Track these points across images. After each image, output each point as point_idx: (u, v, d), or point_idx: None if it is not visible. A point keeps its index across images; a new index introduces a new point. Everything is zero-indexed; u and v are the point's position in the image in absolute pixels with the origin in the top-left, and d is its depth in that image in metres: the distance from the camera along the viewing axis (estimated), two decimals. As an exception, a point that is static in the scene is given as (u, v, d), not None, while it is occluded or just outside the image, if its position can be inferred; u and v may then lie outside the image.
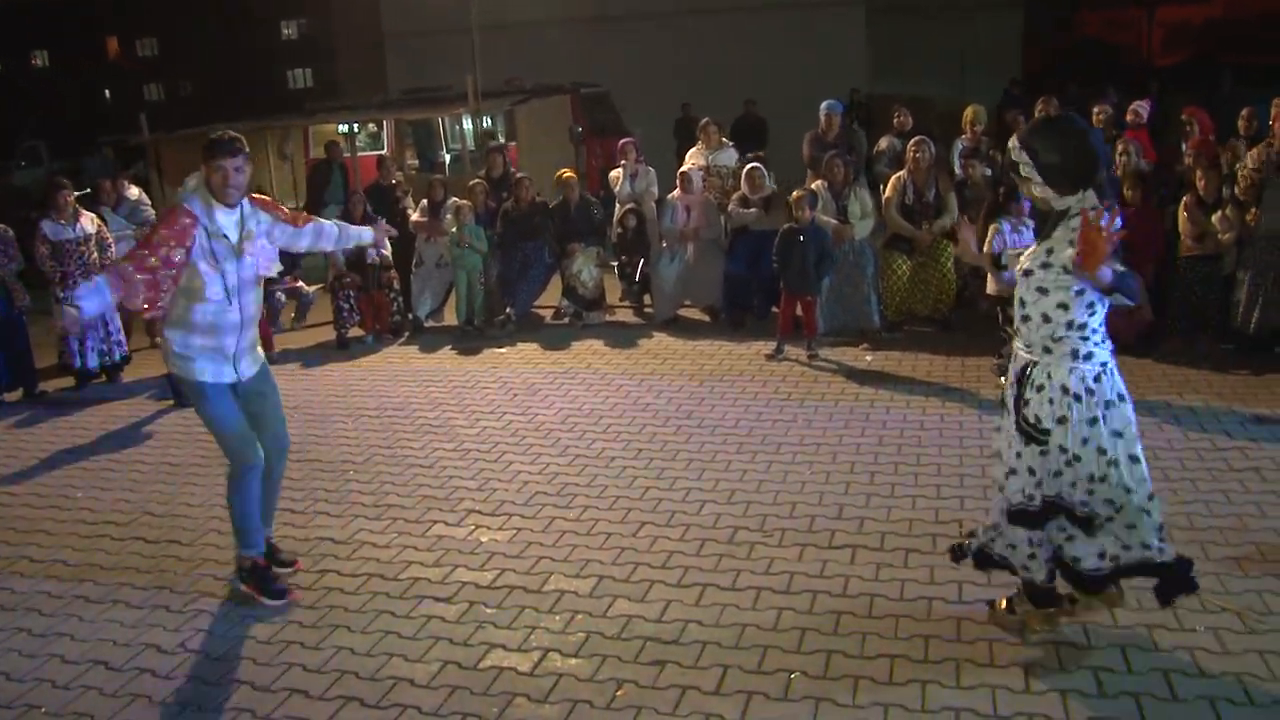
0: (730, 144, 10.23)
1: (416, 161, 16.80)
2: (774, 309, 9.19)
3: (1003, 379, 4.03)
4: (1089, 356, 3.62)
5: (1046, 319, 3.62)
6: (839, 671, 3.85)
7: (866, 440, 6.28)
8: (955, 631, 4.08)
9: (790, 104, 17.98)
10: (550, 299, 10.28)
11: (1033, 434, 3.69)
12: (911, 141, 8.62)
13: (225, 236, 4.45)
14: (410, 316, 9.98)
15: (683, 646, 4.06)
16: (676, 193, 9.58)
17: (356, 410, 7.53)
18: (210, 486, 6.16)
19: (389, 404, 7.64)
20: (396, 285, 9.88)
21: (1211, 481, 5.42)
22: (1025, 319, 3.70)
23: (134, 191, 10.64)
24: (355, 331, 9.64)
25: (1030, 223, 7.40)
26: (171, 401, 7.97)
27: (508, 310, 9.71)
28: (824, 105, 9.62)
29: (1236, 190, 7.48)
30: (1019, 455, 3.76)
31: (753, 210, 9.09)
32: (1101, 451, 3.66)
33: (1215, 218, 7.54)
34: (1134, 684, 3.68)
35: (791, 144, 10.34)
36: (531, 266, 9.83)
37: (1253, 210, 7.41)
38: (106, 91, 46.44)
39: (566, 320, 9.83)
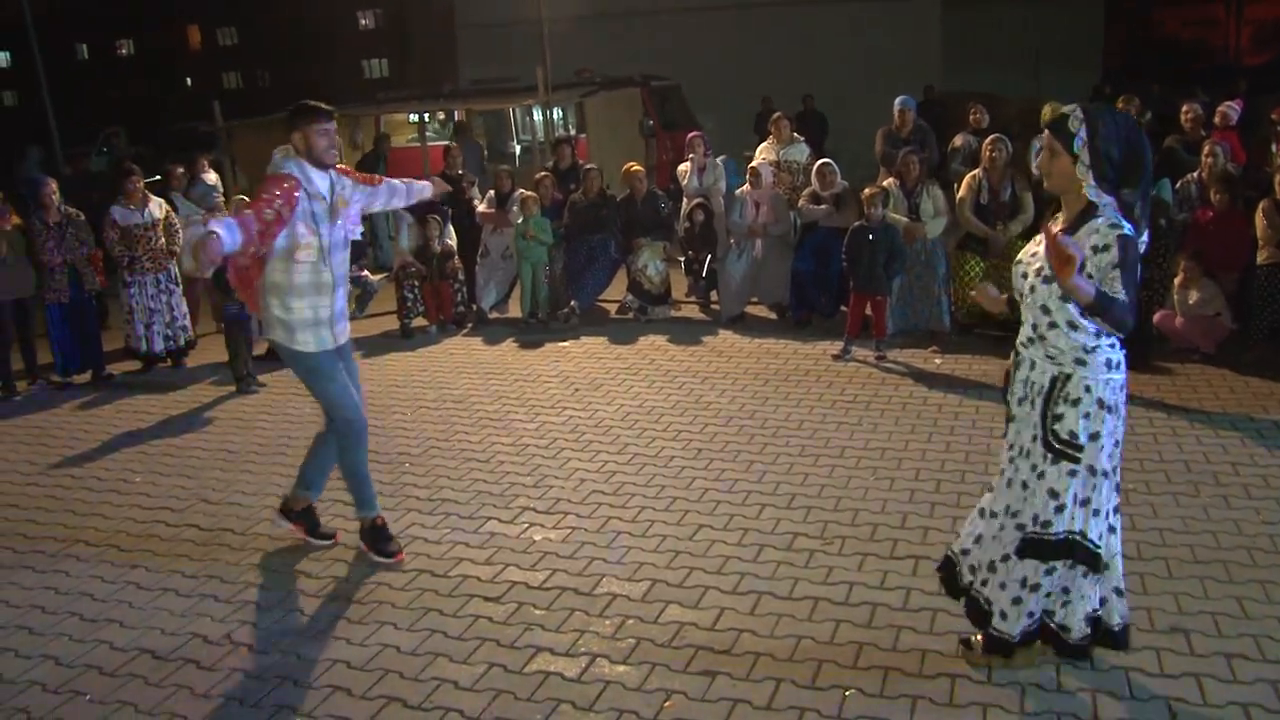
0: (801, 139, 10.02)
1: (486, 152, 16.81)
2: (842, 308, 8.99)
3: (1008, 398, 3.70)
4: (1118, 366, 3.38)
5: (1073, 326, 3.34)
6: (896, 691, 3.67)
7: (933, 447, 6.07)
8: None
9: (860, 99, 17.73)
10: (615, 293, 10.18)
11: (1065, 452, 3.39)
12: (987, 140, 8.35)
13: (323, 198, 4.64)
14: (474, 308, 9.95)
15: (735, 657, 3.92)
16: (745, 188, 9.40)
17: (416, 401, 7.49)
18: (266, 475, 6.16)
19: (449, 396, 7.59)
20: (461, 276, 9.85)
21: (1300, 501, 5.14)
22: (1052, 326, 3.39)
23: (212, 176, 10.75)
24: (419, 321, 9.63)
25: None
26: (234, 388, 8.01)
27: (572, 304, 9.62)
28: (898, 101, 9.38)
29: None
30: (1040, 475, 3.46)
31: (823, 206, 8.89)
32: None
33: None
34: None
35: (861, 139, 10.12)
36: (597, 260, 9.73)
37: None
38: (188, 80, 47.37)
39: (631, 315, 9.71)
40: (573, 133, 15.38)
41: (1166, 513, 5.03)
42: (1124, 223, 3.26)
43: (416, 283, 9.52)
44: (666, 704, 3.65)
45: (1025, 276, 3.48)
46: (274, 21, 42.01)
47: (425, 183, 5.70)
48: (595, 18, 20.60)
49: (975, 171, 8.39)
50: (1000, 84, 18.01)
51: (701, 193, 9.96)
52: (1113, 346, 3.39)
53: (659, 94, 16.67)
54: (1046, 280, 3.36)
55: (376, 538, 4.93)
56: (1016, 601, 3.59)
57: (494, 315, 10.05)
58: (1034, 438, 3.48)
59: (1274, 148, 8.37)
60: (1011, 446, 3.62)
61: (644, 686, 3.76)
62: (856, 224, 8.02)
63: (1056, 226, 3.39)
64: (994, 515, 3.68)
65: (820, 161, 9.04)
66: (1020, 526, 3.55)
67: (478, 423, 6.94)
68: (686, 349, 8.58)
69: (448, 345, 9.14)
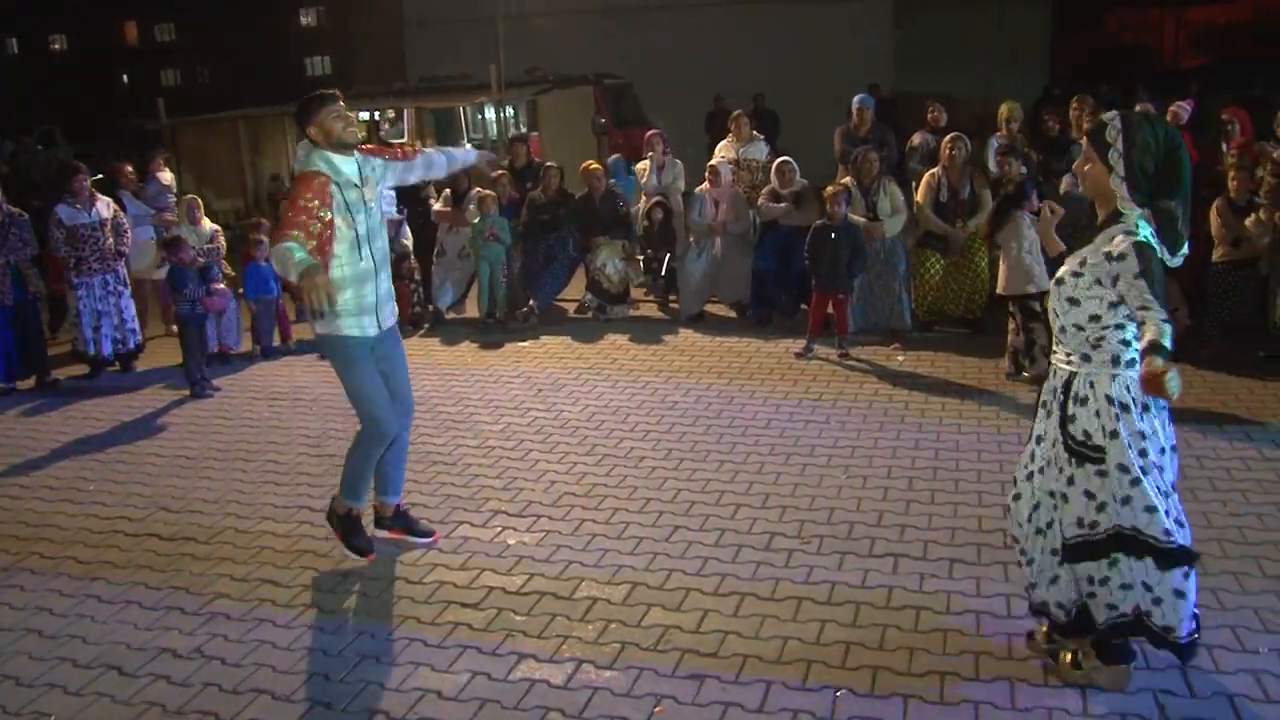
0: (761, 137, 10.01)
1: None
2: (803, 306, 8.99)
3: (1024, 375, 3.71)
4: (1131, 363, 3.34)
5: (1079, 328, 3.36)
6: (887, 689, 3.65)
7: (903, 444, 6.08)
8: (1006, 649, 3.88)
9: (812, 98, 17.80)
10: (573, 292, 10.10)
11: (1085, 453, 3.37)
12: (946, 138, 8.40)
13: (355, 185, 4.55)
14: (431, 308, 9.81)
15: (723, 660, 3.87)
16: (705, 186, 9.37)
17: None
18: (226, 482, 6.00)
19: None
20: (418, 276, 9.71)
21: (1262, 494, 5.21)
22: (1062, 329, 3.42)
23: (167, 175, 10.48)
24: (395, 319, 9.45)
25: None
26: (188, 392, 7.82)
27: (530, 303, 9.53)
28: (856, 99, 9.41)
29: (1262, 192, 7.26)
30: (1070, 481, 3.44)
31: (782, 204, 8.89)
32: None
33: (1249, 221, 7.30)
34: (1196, 709, 3.47)
35: (814, 138, 10.14)
36: (555, 259, 9.65)
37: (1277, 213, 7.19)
38: (124, 77, 46.39)
39: (590, 314, 9.64)
40: (525, 130, 15.28)
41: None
42: (1141, 229, 3.25)
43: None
44: (657, 709, 3.60)
45: (1060, 283, 3.46)
46: (213, 18, 41.30)
47: (469, 150, 5.54)
48: (546, 16, 20.47)
49: (934, 170, 8.43)
50: (952, 84, 18.20)
51: (660, 191, 9.92)
52: (1124, 344, 3.34)
53: (611, 92, 16.62)
54: (1058, 283, 3.41)
55: (349, 528, 4.85)
56: (1091, 596, 3.51)
57: (451, 315, 9.92)
58: (1053, 441, 3.48)
59: (1224, 147, 8.51)
60: (1037, 459, 3.60)
61: (633, 691, 3.70)
62: (819, 222, 8.02)
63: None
64: (1039, 533, 3.62)
65: (779, 159, 9.04)
66: (1065, 538, 3.50)
67: (442, 425, 6.83)
68: (648, 348, 8.52)
69: (405, 346, 8.93)
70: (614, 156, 10.49)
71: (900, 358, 7.89)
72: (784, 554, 4.73)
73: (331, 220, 4.42)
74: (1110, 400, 3.33)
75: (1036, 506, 3.60)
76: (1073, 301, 3.35)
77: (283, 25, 40.09)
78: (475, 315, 9.70)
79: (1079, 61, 29.79)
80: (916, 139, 9.42)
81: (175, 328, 8.89)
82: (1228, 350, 7.40)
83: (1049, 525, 3.57)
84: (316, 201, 4.39)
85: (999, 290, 7.19)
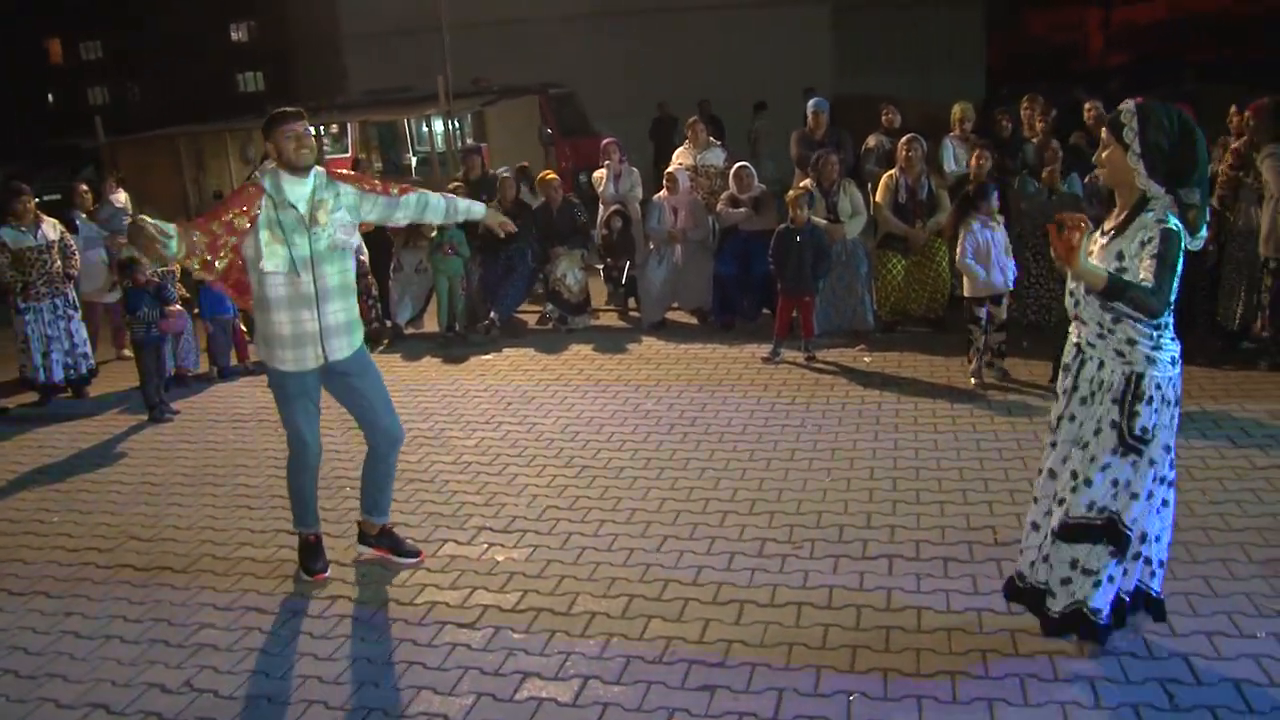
0: (718, 143, 10.02)
1: (380, 165, 16.45)
2: (764, 310, 9.02)
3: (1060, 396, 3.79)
4: (1176, 361, 3.50)
5: (1134, 319, 3.43)
6: (900, 692, 3.64)
7: (882, 445, 6.10)
8: (1011, 645, 3.89)
9: (754, 103, 17.88)
10: (533, 303, 10.02)
11: (1137, 446, 3.49)
12: (903, 139, 8.47)
13: (294, 207, 4.41)
14: (389, 324, 9.67)
15: (730, 670, 3.83)
16: (663, 193, 9.36)
17: (343, 422, 7.17)
18: (198, 508, 5.84)
19: (377, 415, 7.32)
20: (375, 292, 9.56)
21: (1237, 480, 5.31)
22: (1117, 320, 3.47)
23: (121, 197, 10.21)
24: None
25: (1001, 219, 7.28)
26: (146, 416, 7.61)
27: (491, 316, 9.43)
28: (810, 102, 9.44)
29: (1217, 184, 7.42)
30: (1105, 467, 3.53)
31: (742, 210, 8.90)
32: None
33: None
34: (1205, 696, 3.51)
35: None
36: (514, 270, 9.56)
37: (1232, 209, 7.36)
38: (49, 96, 45.31)
39: (550, 325, 9.56)
40: (471, 142, 15.16)
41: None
42: (1171, 219, 3.34)
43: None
44: (671, 722, 3.55)
45: None
46: (140, 35, 40.45)
47: (474, 203, 5.23)
48: (487, 25, 20.35)
49: (891, 171, 8.50)
50: (890, 87, 18.35)
51: (618, 199, 9.88)
52: (1174, 341, 3.49)
53: (556, 101, 16.56)
54: None
55: (306, 552, 4.85)
56: (1065, 582, 3.65)
57: (410, 331, 9.79)
58: (1096, 431, 3.55)
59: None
60: (1064, 443, 3.69)
61: (643, 706, 3.64)
62: (782, 226, 8.03)
63: (1111, 223, 3.52)
64: (1041, 520, 3.78)
65: (737, 165, 9.05)
66: (1066, 513, 3.61)
67: (413, 441, 6.70)
68: (613, 357, 8.47)
69: (366, 363, 8.82)
70: (504, 169, 10.36)
71: (867, 359, 7.93)
72: (777, 559, 4.71)
73: (247, 232, 4.33)
74: (1165, 400, 3.47)
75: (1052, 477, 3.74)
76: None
77: (213, 41, 39.39)
78: (435, 330, 9.58)
79: (1005, 61, 30.33)
80: (872, 141, 9.49)
81: (128, 351, 8.68)
82: (1199, 342, 7.53)
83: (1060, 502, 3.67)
84: (238, 208, 4.34)
85: (966, 293, 7.24)
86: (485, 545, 5.07)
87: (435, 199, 4.97)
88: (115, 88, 43.61)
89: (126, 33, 41.45)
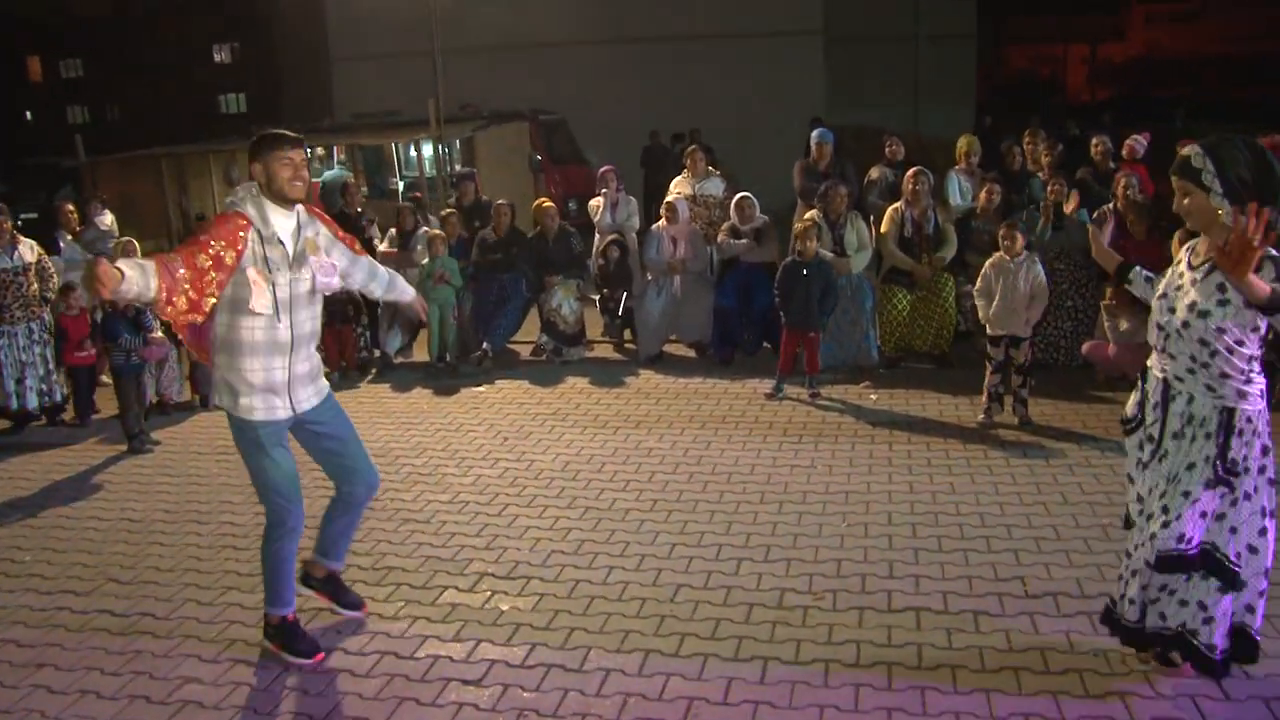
0: (716, 173, 9.83)
1: (366, 189, 16.20)
2: (765, 345, 8.81)
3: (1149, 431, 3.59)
4: (1264, 394, 3.46)
5: (1230, 353, 3.38)
6: (944, 765, 3.39)
7: (896, 487, 5.87)
8: (1056, 710, 3.65)
9: (746, 133, 17.79)
10: (525, 334, 9.77)
11: (1229, 480, 3.45)
12: (910, 172, 8.30)
13: (281, 243, 4.03)
14: (378, 353, 9.40)
15: (759, 737, 3.57)
16: (661, 223, 9.15)
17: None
18: (181, 547, 5.53)
19: (369, 449, 7.02)
20: (364, 320, 9.29)
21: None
22: (1213, 354, 3.40)
23: (108, 219, 9.92)
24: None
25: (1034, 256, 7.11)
26: (125, 447, 7.30)
27: (484, 346, 9.17)
28: (814, 133, 9.27)
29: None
30: (1194, 500, 3.48)
31: (744, 241, 8.70)
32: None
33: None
34: (1235, 712, 3.30)
35: (751, 171, 10.02)
36: (508, 300, 9.31)
37: None
38: (28, 114, 44.84)
39: (545, 356, 9.31)
40: (460, 168, 14.94)
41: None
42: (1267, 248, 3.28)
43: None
44: (701, 798, 3.28)
45: (1174, 311, 3.49)
46: (121, 54, 40.08)
47: (409, 288, 4.96)
48: (477, 50, 20.19)
49: (897, 204, 8.33)
50: (883, 118, 18.33)
51: (615, 228, 9.66)
52: (1260, 375, 3.46)
53: (546, 128, 16.39)
54: (1203, 315, 3.39)
55: (288, 636, 4.30)
56: (1153, 602, 3.65)
57: (399, 360, 9.52)
58: (1189, 466, 3.49)
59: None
60: (1152, 477, 3.64)
61: (669, 777, 3.38)
62: (789, 259, 7.83)
63: (1201, 257, 3.46)
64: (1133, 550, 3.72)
65: (740, 195, 8.86)
66: (1160, 549, 3.55)
67: (407, 478, 6.43)
68: (611, 391, 8.23)
69: (355, 394, 8.55)
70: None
71: (873, 396, 7.72)
72: (798, 611, 4.46)
73: (233, 268, 3.89)
74: (1255, 433, 3.44)
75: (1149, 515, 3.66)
76: (1221, 331, 3.37)
77: (196, 62, 39.08)
78: (425, 359, 9.32)
79: (988, 94, 30.51)
80: (875, 173, 9.33)
81: (106, 378, 8.38)
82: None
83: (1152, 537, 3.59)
84: (222, 243, 3.87)
85: (990, 331, 7.02)
86: (488, 593, 4.79)
87: (382, 271, 4.71)
88: (95, 107, 43.18)
89: (107, 52, 41.09)
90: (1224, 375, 3.41)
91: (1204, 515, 3.50)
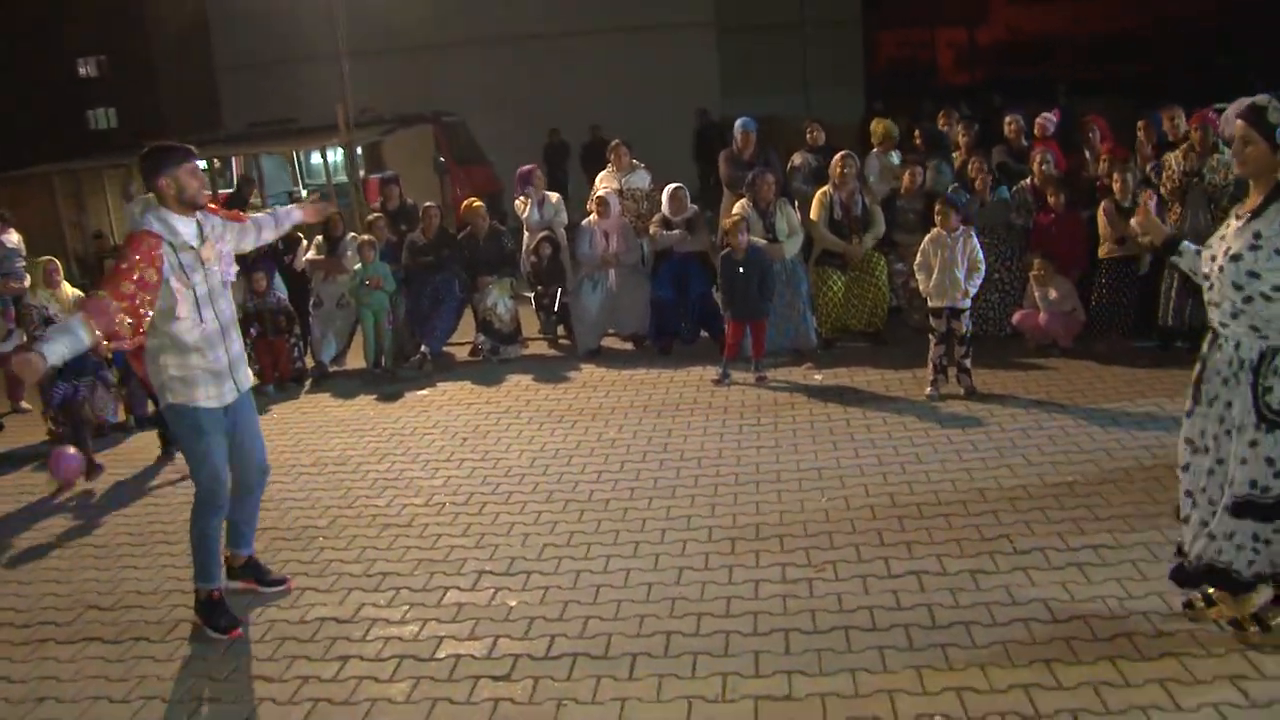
0: (642, 165, 9.90)
1: (260, 200, 15.80)
2: (703, 333, 8.92)
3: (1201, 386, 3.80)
4: None
5: (1268, 299, 3.48)
6: (979, 710, 3.53)
7: (865, 461, 6.04)
8: (1071, 653, 3.84)
9: (645, 125, 17.92)
10: (460, 335, 9.70)
11: (1276, 420, 3.54)
12: (837, 156, 8.51)
13: (191, 247, 4.37)
14: (312, 363, 9.22)
15: (798, 703, 3.66)
16: (592, 218, 9.19)
17: (291, 466, 6.79)
18: (156, 568, 5.38)
19: (326, 458, 6.94)
20: (296, 330, 9.09)
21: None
22: (1248, 299, 3.52)
23: (14, 237, 9.48)
24: (253, 381, 8.79)
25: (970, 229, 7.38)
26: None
27: (422, 349, 9.08)
28: (739, 123, 9.39)
29: (1162, 192, 7.67)
30: (1253, 444, 3.58)
31: (677, 232, 8.80)
32: None
33: (1133, 220, 7.68)
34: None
35: (653, 163, 10.13)
36: (443, 302, 9.23)
37: (1175, 211, 7.61)
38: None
39: (481, 356, 9.26)
40: (363, 173, 14.72)
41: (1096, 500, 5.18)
42: None
43: (249, 340, 8.70)
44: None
45: (1214, 259, 3.63)
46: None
47: (292, 207, 5.40)
48: (366, 54, 19.85)
49: (825, 188, 8.53)
50: (774, 105, 18.65)
51: (544, 225, 9.66)
52: None
53: (449, 130, 16.23)
54: (1234, 259, 3.52)
55: (212, 610, 4.59)
56: (1240, 548, 3.69)
57: (334, 369, 9.35)
58: (1246, 410, 3.59)
59: (1086, 154, 8.94)
60: (1213, 429, 3.73)
61: (724, 750, 3.45)
62: (725, 253, 7.94)
63: (1246, 207, 3.61)
64: (1211, 501, 3.80)
65: (673, 186, 8.95)
66: (1235, 494, 3.64)
67: (375, 484, 6.36)
68: (558, 387, 8.25)
69: (296, 405, 8.38)
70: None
71: (818, 377, 7.90)
72: (804, 584, 4.58)
73: (159, 284, 4.21)
74: None
75: (1219, 464, 3.75)
76: (1253, 275, 3.49)
77: (57, 76, 37.39)
78: (360, 366, 9.18)
79: (872, 79, 31.23)
80: (798, 159, 9.51)
81: (27, 404, 8.07)
82: (1121, 343, 7.77)
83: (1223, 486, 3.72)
84: (143, 264, 4.17)
85: (930, 304, 7.26)
86: (491, 589, 4.79)
87: (265, 216, 5.09)
88: (-49, 126, 40.98)
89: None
90: (1267, 319, 3.50)
91: (1270, 462, 3.55)
